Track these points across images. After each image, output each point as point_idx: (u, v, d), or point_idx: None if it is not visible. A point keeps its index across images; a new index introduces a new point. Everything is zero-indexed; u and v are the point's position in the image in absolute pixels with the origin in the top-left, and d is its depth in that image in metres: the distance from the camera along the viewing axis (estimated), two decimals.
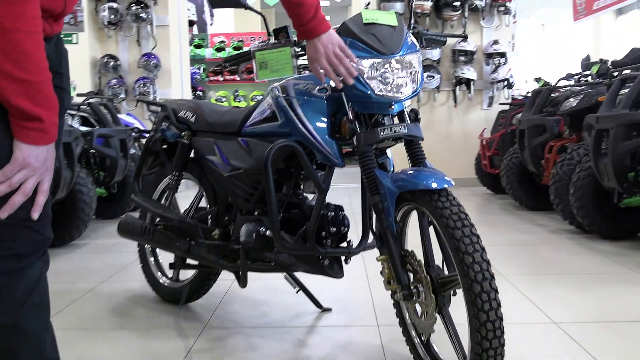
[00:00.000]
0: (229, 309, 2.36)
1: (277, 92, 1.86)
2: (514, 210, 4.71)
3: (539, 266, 2.94)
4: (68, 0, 1.12)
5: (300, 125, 1.73)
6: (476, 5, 6.04)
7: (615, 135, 2.95)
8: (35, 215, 1.02)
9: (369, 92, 1.56)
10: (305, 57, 1.75)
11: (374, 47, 1.57)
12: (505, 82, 6.14)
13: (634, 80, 3.09)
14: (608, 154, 3.00)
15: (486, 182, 5.62)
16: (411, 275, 1.56)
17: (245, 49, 9.02)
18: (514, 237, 3.64)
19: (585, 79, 5.30)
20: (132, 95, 6.20)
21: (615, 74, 3.62)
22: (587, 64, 4.70)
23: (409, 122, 1.68)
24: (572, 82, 5.25)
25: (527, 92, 6.50)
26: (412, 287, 1.53)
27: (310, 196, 1.98)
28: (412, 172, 1.55)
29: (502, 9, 6.12)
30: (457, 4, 5.98)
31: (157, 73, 6.20)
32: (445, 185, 1.44)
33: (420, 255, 1.56)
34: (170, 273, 2.48)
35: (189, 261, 2.34)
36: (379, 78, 1.57)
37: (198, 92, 8.99)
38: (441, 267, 1.57)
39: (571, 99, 3.97)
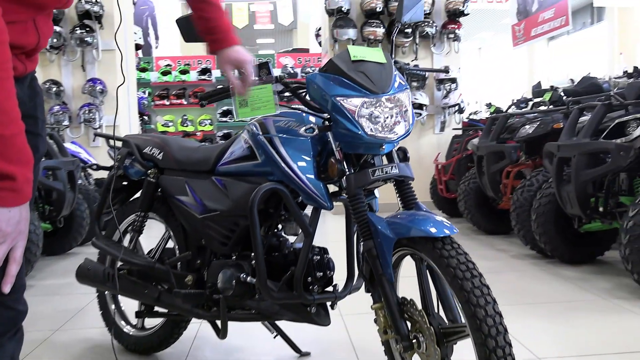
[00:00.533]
0: (199, 358, 2.20)
1: (254, 129, 1.76)
2: (472, 234, 4.75)
3: (510, 296, 2.94)
4: (42, 34, 1.00)
5: (284, 166, 1.64)
6: (427, 32, 6.16)
7: (578, 163, 3.00)
8: (6, 288, 0.89)
9: (360, 133, 1.49)
10: (287, 93, 1.69)
11: (365, 86, 1.51)
12: (457, 107, 6.26)
13: (591, 109, 3.18)
14: (571, 181, 3.05)
15: (442, 206, 5.67)
16: (409, 324, 1.48)
17: (192, 72, 8.76)
18: (479, 264, 3.60)
19: (534, 105, 5.48)
20: (77, 122, 5.92)
21: (568, 101, 3.72)
22: (538, 90, 4.84)
23: (398, 161, 1.63)
24: (517, 109, 5.40)
25: (470, 114, 6.66)
26: (411, 337, 1.45)
27: (290, 238, 1.89)
28: (409, 216, 1.48)
29: (451, 35, 6.27)
30: (409, 30, 6.07)
31: (103, 99, 5.95)
32: (447, 232, 1.38)
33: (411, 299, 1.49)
34: (134, 320, 2.30)
35: (157, 308, 2.17)
36: (371, 118, 1.50)
37: (144, 117, 8.71)
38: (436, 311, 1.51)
39: (527, 126, 4.05)
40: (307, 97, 1.64)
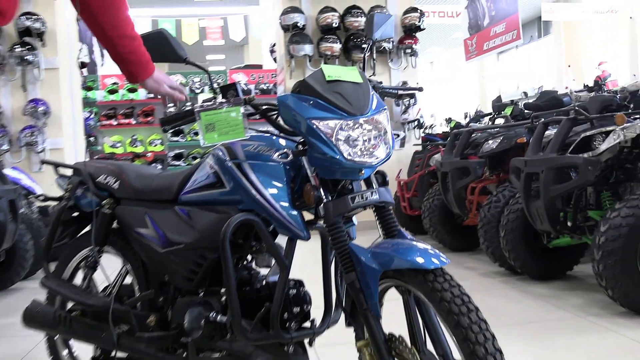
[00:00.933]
0: None
1: (221, 155, 1.67)
2: None
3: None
4: None
5: (255, 193, 1.55)
6: (384, 47, 6.19)
7: (546, 178, 3.02)
8: None
9: (338, 157, 1.42)
10: (257, 116, 1.62)
11: (341, 107, 1.44)
12: (416, 123, 6.29)
13: (556, 124, 3.21)
14: (540, 197, 3.06)
15: (406, 223, 5.66)
16: None
17: (141, 90, 8.58)
18: None
19: (492, 120, 5.57)
20: (17, 145, 5.64)
21: (532, 115, 3.77)
22: (498, 105, 4.91)
23: (377, 186, 1.56)
24: (475, 124, 5.47)
25: (425, 129, 6.71)
26: None
27: (262, 270, 1.79)
28: (393, 246, 1.41)
29: (408, 50, 6.32)
30: (365, 46, 6.08)
31: (46, 120, 5.69)
32: (437, 262, 1.31)
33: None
34: None
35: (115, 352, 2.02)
36: (348, 141, 1.43)
37: (90, 139, 8.42)
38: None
39: (490, 141, 4.08)
40: (279, 120, 1.57)
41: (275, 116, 1.58)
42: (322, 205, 1.46)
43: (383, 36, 1.86)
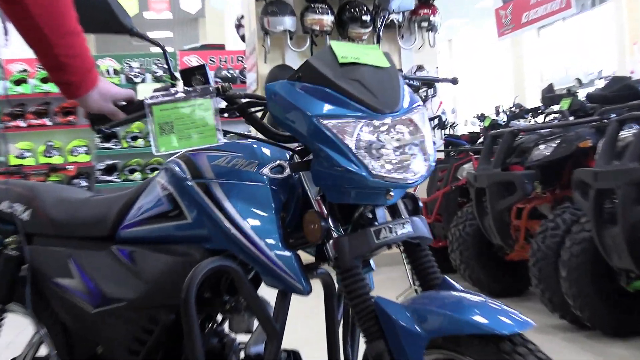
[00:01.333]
0: None
1: (179, 171, 1.61)
2: None
3: None
4: None
5: (230, 227, 1.50)
6: (392, 19, 6.13)
7: (625, 197, 2.98)
8: None
9: (362, 173, 1.35)
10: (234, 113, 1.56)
11: (364, 102, 1.38)
12: (437, 121, 6.26)
13: (635, 122, 3.17)
14: (617, 223, 3.01)
15: None
16: None
17: None
18: None
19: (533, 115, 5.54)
20: None
21: (601, 110, 3.72)
22: (551, 96, 4.89)
23: (406, 215, 1.50)
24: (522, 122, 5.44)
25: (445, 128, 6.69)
26: None
27: (240, 336, 1.73)
28: (441, 300, 1.35)
29: (424, 24, 6.27)
30: (367, 18, 6.02)
31: None
32: (513, 326, 1.23)
33: None
34: None
35: None
36: (372, 150, 1.35)
37: None
38: None
39: (542, 146, 4.04)
40: (266, 119, 1.54)
41: (261, 113, 1.55)
42: (331, 241, 1.40)
43: (402, 7, 1.84)
